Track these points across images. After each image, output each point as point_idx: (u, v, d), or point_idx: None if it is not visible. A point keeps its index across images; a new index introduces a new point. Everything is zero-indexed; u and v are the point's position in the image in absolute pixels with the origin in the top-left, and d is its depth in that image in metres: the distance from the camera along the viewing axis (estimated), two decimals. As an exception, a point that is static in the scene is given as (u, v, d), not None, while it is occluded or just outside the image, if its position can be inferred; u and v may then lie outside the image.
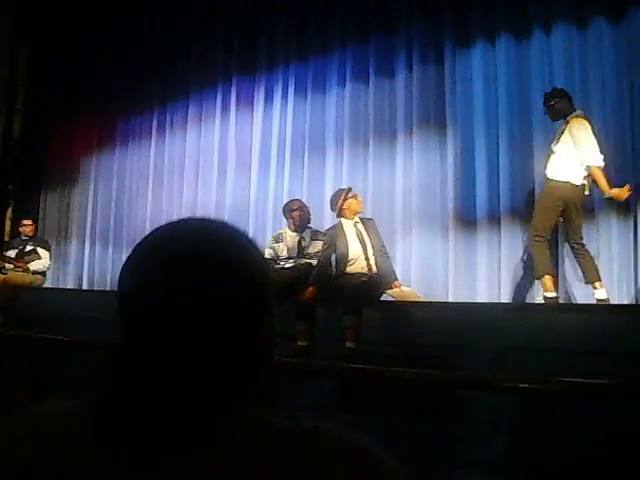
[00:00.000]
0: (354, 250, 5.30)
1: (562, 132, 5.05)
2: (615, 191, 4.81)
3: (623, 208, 5.32)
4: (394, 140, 6.63)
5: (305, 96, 7.44)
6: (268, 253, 5.88)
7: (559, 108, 5.13)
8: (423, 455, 4.33)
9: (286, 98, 7.64)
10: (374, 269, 5.27)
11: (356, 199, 5.52)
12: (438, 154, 6.35)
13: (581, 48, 5.65)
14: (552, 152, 5.06)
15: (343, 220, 5.46)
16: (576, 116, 5.04)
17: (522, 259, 5.78)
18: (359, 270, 5.26)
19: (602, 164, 4.86)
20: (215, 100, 8.32)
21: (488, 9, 6.17)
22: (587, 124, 4.98)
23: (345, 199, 5.45)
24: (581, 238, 5.01)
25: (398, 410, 4.51)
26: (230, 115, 8.12)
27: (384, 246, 5.43)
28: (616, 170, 5.27)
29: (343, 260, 5.31)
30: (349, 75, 7.05)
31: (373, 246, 5.32)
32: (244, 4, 8.07)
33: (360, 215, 5.54)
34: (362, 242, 5.32)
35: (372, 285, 5.15)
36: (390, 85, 6.77)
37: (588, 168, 4.85)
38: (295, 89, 7.55)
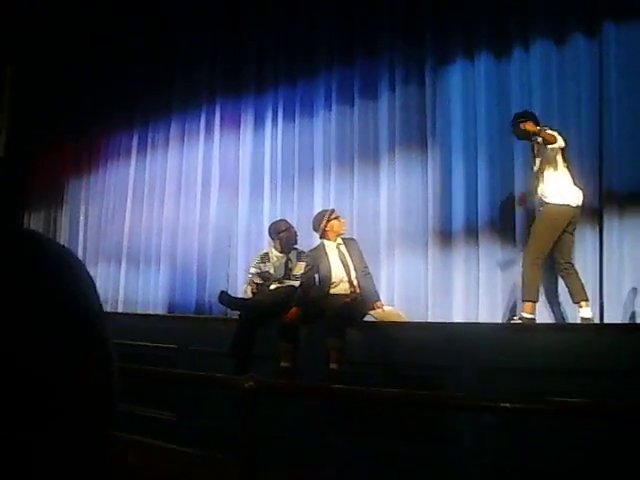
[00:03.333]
0: (337, 272, 5.29)
1: (534, 152, 5.13)
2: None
3: (605, 225, 5.36)
4: (378, 161, 6.66)
5: (292, 119, 7.45)
6: (254, 272, 5.87)
7: (523, 127, 5.22)
8: (407, 475, 4.30)
9: (272, 121, 7.66)
10: (357, 290, 5.26)
11: (339, 220, 5.50)
12: (420, 174, 6.37)
13: (559, 67, 5.71)
14: (537, 176, 5.10)
15: (326, 241, 5.45)
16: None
17: (501, 277, 5.79)
18: (342, 291, 5.25)
19: (561, 143, 4.92)
20: (199, 121, 8.34)
21: (468, 30, 6.23)
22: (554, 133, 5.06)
23: (328, 220, 5.45)
24: (571, 258, 5.04)
25: (381, 430, 4.49)
26: (214, 137, 8.13)
27: (367, 267, 5.42)
28: (594, 188, 5.33)
29: (326, 282, 5.30)
30: (335, 97, 7.08)
31: (355, 267, 5.31)
32: (230, 27, 8.11)
33: (343, 236, 5.53)
34: (344, 263, 5.30)
35: (355, 306, 5.13)
36: (374, 106, 6.80)
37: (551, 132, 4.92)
38: (282, 112, 7.56)
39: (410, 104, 6.52)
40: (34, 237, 0.58)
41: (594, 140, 5.45)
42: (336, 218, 5.48)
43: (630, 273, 5.15)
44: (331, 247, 5.39)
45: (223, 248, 7.72)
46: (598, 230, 5.34)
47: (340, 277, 5.27)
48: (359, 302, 5.19)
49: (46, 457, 0.52)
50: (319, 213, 5.68)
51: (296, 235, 5.94)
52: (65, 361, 0.54)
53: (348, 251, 5.37)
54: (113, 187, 9.23)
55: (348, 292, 5.23)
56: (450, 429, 4.31)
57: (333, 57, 7.19)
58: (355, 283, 5.27)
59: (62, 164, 9.96)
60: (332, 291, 5.26)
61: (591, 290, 5.12)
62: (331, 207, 5.88)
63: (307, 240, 6.27)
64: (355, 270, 5.29)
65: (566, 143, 5.04)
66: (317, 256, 5.39)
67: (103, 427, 0.58)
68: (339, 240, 5.43)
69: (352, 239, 5.59)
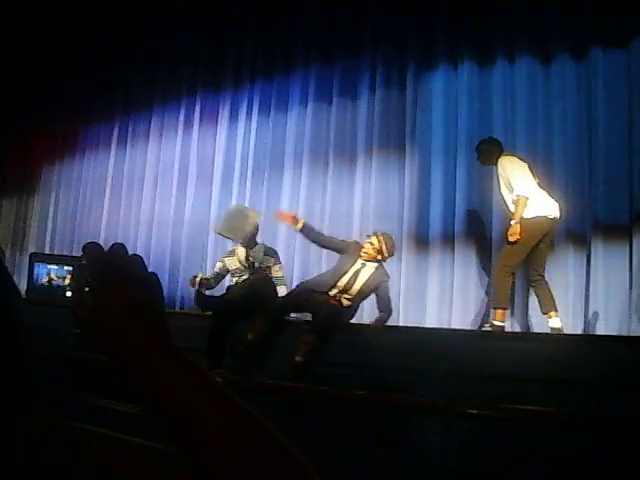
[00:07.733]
0: (344, 279, 5.17)
1: (498, 175, 5.18)
2: (514, 228, 4.87)
3: (580, 240, 5.42)
4: (354, 162, 6.66)
5: (268, 114, 7.43)
6: (218, 267, 5.81)
7: (487, 152, 5.29)
8: (370, 478, 4.30)
9: (250, 116, 7.63)
10: (348, 302, 5.11)
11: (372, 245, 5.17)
12: (397, 177, 6.38)
13: (543, 78, 5.74)
14: (505, 197, 5.12)
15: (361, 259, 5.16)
16: (503, 156, 5.18)
17: (475, 284, 5.82)
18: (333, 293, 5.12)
19: (528, 195, 4.94)
20: (178, 114, 8.28)
21: (452, 36, 6.26)
22: (514, 158, 5.13)
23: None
24: (543, 270, 5.08)
25: (347, 432, 4.48)
26: (193, 130, 8.09)
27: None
28: (574, 203, 5.37)
29: (333, 279, 5.18)
30: (312, 95, 7.07)
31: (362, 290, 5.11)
32: (212, 22, 8.07)
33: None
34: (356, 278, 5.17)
35: (345, 312, 5.05)
36: (352, 107, 6.80)
37: (517, 197, 4.94)
38: (259, 107, 7.54)
39: (390, 107, 6.52)
40: None
41: (579, 155, 5.52)
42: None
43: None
44: (358, 262, 5.13)
45: (197, 242, 7.67)
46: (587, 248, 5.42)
47: (343, 285, 5.11)
48: (347, 310, 5.08)
49: None
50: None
51: (257, 229, 5.87)
52: None
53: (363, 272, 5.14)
54: (91, 178, 9.13)
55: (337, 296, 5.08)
56: (417, 433, 4.32)
57: (313, 55, 7.18)
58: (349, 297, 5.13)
59: (37, 153, 9.82)
60: (332, 291, 5.10)
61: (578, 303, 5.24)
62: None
63: (274, 236, 6.35)
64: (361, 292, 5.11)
65: (529, 163, 5.10)
66: (348, 254, 5.16)
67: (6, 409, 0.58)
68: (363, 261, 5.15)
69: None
